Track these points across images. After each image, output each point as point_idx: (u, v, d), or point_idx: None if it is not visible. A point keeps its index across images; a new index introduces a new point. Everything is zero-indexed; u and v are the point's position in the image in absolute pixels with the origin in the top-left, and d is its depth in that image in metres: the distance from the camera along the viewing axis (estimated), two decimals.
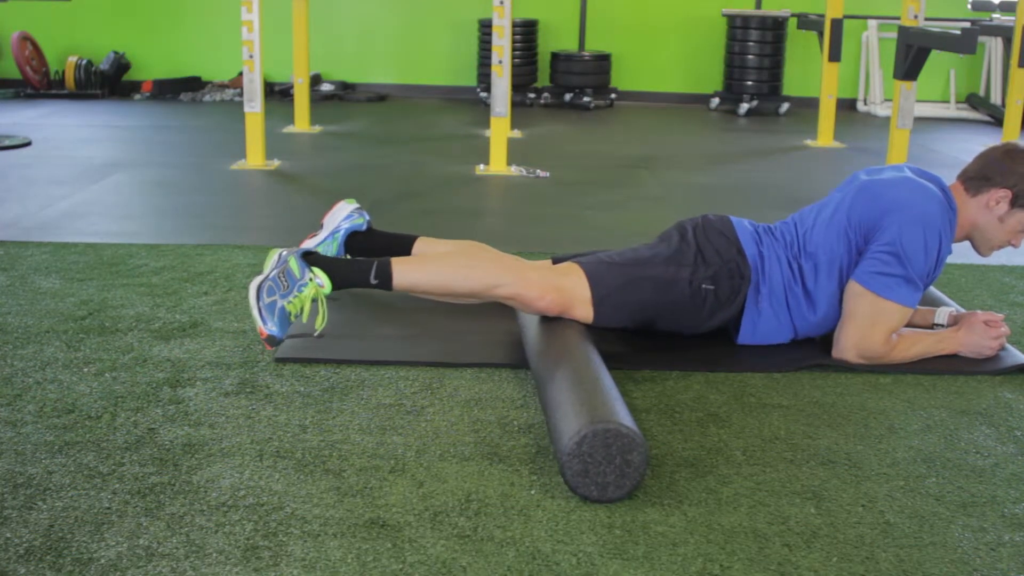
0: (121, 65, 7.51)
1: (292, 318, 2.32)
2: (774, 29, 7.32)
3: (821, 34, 6.21)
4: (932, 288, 2.93)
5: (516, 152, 5.28)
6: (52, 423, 2.02)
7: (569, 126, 6.69)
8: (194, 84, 7.61)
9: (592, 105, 7.42)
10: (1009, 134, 5.58)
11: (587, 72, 7.45)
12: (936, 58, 7.07)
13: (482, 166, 5.01)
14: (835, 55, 6.04)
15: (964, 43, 4.41)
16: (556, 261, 2.58)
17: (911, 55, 4.71)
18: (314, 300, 2.35)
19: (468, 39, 7.75)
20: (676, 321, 2.47)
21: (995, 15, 7.49)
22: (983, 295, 3.07)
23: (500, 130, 4.91)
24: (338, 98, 7.57)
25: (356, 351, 2.45)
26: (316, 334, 2.42)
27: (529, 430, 2.06)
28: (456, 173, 4.90)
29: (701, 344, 2.52)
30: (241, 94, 7.22)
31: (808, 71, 7.69)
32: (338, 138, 5.93)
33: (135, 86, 7.55)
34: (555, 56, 7.53)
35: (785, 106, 7.45)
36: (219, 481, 1.81)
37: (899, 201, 2.39)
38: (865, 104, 7.81)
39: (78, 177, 4.50)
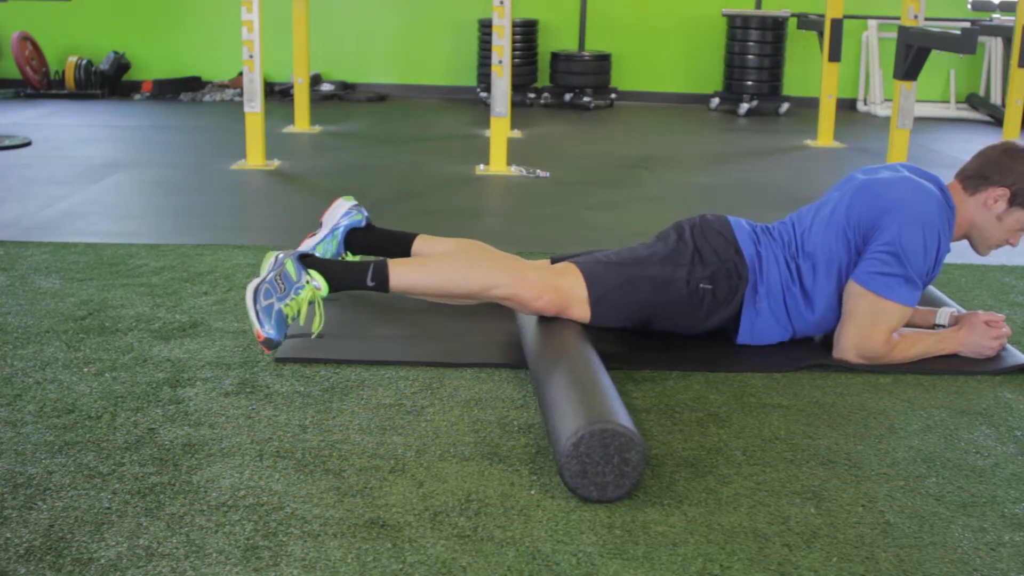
0: (121, 65, 7.51)
1: (289, 321, 2.31)
2: (774, 29, 7.32)
3: (821, 34, 6.21)
4: (933, 288, 2.93)
5: (516, 152, 5.28)
6: (52, 423, 2.02)
7: (569, 126, 6.69)
8: (194, 84, 7.62)
9: (592, 105, 7.42)
10: (1009, 134, 5.58)
11: (587, 72, 7.45)
12: (936, 58, 7.07)
13: (482, 166, 5.01)
14: (835, 55, 6.04)
15: (964, 43, 4.41)
16: (555, 261, 2.58)
17: (911, 55, 4.71)
18: (311, 303, 2.34)
19: (468, 39, 7.75)
20: (673, 321, 2.47)
21: (995, 15, 7.49)
22: (983, 295, 3.07)
23: (500, 130, 4.91)
24: (338, 98, 7.57)
25: (356, 351, 2.45)
26: (313, 336, 2.41)
27: (529, 430, 2.06)
28: (456, 173, 4.90)
29: (701, 344, 2.52)
30: (241, 94, 7.22)
31: (808, 71, 7.69)
32: (338, 138, 5.93)
33: (135, 86, 7.55)
34: (555, 56, 7.54)
35: (785, 106, 7.45)
36: (219, 481, 1.81)
37: (898, 200, 2.39)
38: (865, 104, 7.82)
39: (78, 177, 4.50)
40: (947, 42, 4.51)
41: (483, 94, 7.27)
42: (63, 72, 7.36)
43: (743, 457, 1.98)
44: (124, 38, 7.67)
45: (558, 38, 7.85)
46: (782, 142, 6.21)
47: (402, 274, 2.40)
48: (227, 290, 2.90)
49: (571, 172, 4.97)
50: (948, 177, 2.55)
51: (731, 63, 7.47)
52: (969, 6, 7.64)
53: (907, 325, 2.58)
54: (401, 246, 2.79)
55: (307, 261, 2.38)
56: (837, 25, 6.01)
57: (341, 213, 2.82)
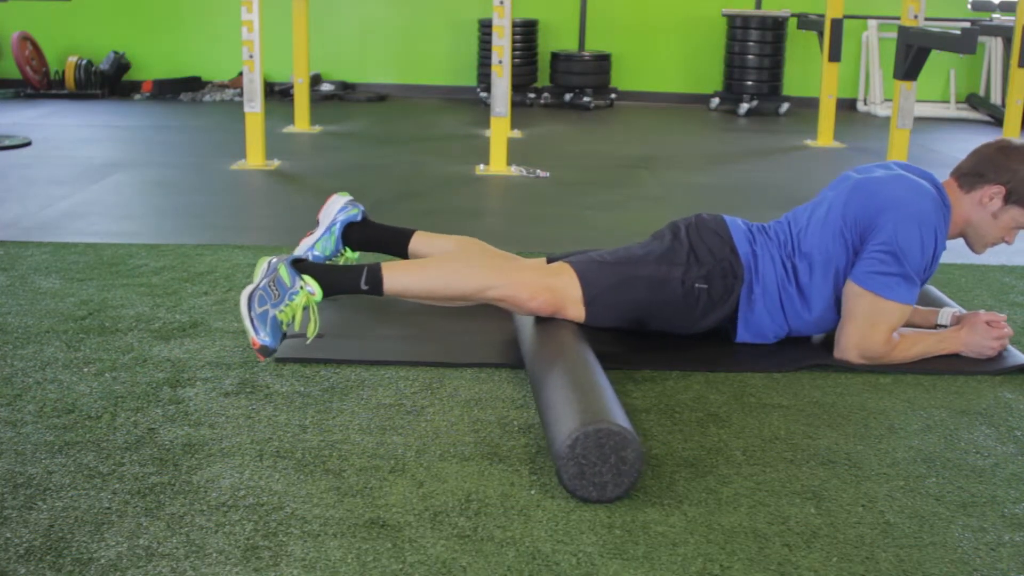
0: (121, 65, 7.51)
1: (284, 327, 2.29)
2: (774, 29, 7.32)
3: (821, 34, 6.21)
4: (934, 288, 2.93)
5: (516, 152, 5.28)
6: (52, 423, 2.02)
7: (569, 126, 6.69)
8: (194, 84, 7.61)
9: (592, 105, 7.42)
10: (1009, 134, 5.58)
11: (587, 72, 7.45)
12: (936, 58, 7.07)
13: (482, 166, 5.01)
14: (835, 55, 6.04)
15: (964, 43, 4.41)
16: (550, 261, 2.57)
17: (911, 55, 4.71)
18: (305, 308, 2.33)
19: (468, 39, 7.75)
20: (669, 321, 2.46)
21: (995, 15, 7.49)
22: (983, 295, 3.07)
23: (500, 130, 4.91)
24: (338, 98, 7.57)
25: (356, 351, 2.45)
26: (308, 342, 2.40)
27: (529, 430, 2.06)
28: (456, 173, 4.90)
29: (701, 344, 2.52)
30: (241, 94, 7.22)
31: (808, 71, 7.69)
32: (338, 138, 5.93)
33: (135, 86, 7.55)
34: (555, 56, 7.54)
35: (785, 106, 7.45)
36: (219, 481, 1.81)
37: (894, 199, 2.38)
38: (865, 104, 7.82)
39: (78, 177, 4.50)
40: (947, 42, 4.51)
41: (483, 94, 7.27)
42: (63, 72, 7.36)
43: (743, 457, 1.98)
44: (124, 38, 7.67)
45: (558, 38, 7.85)
46: (782, 142, 6.21)
47: (396, 277, 2.39)
48: (227, 290, 2.90)
49: (571, 172, 4.97)
50: (943, 176, 2.55)
51: (731, 63, 7.47)
52: (969, 6, 7.64)
53: (909, 325, 2.58)
54: (399, 242, 2.79)
55: (300, 266, 2.36)
56: (837, 25, 6.01)
57: (336, 209, 2.82)
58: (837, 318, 2.47)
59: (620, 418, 1.81)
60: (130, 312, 2.69)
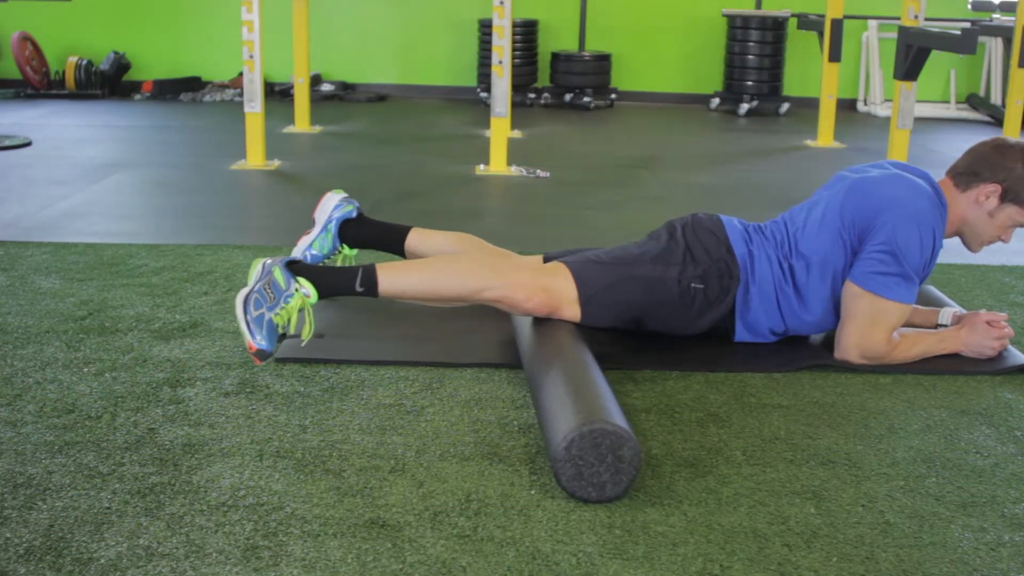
0: (121, 65, 7.51)
1: (280, 330, 2.26)
2: (774, 29, 7.32)
3: (821, 34, 6.21)
4: (934, 288, 2.93)
5: (516, 152, 5.28)
6: (52, 423, 2.02)
7: (569, 126, 6.69)
8: (194, 84, 7.62)
9: (592, 105, 7.42)
10: (1009, 134, 5.58)
11: (587, 72, 7.45)
12: (936, 58, 7.07)
13: (482, 166, 5.01)
14: (835, 55, 6.04)
15: (964, 43, 4.41)
16: (547, 260, 2.57)
17: (911, 55, 4.71)
18: (301, 310, 2.32)
19: (468, 39, 7.75)
20: (665, 321, 2.46)
21: (995, 15, 7.49)
22: (983, 295, 3.07)
23: (500, 130, 4.91)
24: (338, 98, 7.57)
25: (356, 351, 2.45)
26: (303, 344, 2.39)
27: (529, 430, 2.06)
28: (456, 173, 4.90)
29: (701, 344, 2.52)
30: (241, 94, 7.22)
31: (808, 71, 7.69)
32: (338, 138, 5.93)
33: (135, 86, 7.55)
34: (555, 56, 7.54)
35: (785, 106, 7.45)
36: (219, 481, 1.81)
37: (891, 198, 2.38)
38: (865, 104, 7.82)
39: (78, 177, 4.50)
40: (947, 42, 4.51)
41: (483, 94, 7.27)
42: (63, 72, 7.36)
43: (743, 457, 1.98)
44: (124, 38, 7.67)
45: (558, 38, 7.85)
46: (782, 142, 6.21)
47: (391, 279, 2.37)
48: (227, 290, 2.90)
49: (571, 172, 4.97)
50: (938, 175, 2.55)
51: (731, 63, 7.47)
52: (969, 6, 7.64)
53: (910, 325, 2.58)
54: (396, 239, 2.79)
55: (295, 268, 2.34)
56: (837, 25, 6.01)
57: (331, 206, 2.81)
58: (835, 319, 2.47)
59: (615, 417, 1.81)
60: (130, 312, 2.69)
